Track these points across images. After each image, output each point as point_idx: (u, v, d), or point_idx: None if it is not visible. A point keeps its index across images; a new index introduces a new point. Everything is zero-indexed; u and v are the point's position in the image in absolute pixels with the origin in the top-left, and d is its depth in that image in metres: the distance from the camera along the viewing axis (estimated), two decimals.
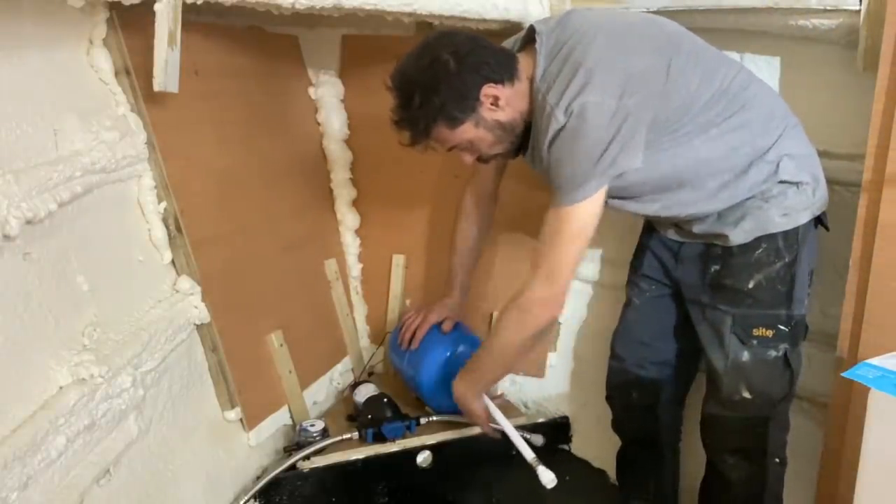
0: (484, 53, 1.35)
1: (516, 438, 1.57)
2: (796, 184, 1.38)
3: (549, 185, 1.37)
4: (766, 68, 1.61)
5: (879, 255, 1.33)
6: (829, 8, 1.45)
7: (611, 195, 1.41)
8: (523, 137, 1.42)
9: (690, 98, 1.33)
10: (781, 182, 1.37)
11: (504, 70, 1.36)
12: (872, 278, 1.34)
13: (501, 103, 1.36)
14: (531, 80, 1.37)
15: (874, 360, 1.02)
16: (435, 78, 1.32)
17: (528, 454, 1.53)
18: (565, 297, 1.42)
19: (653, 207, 1.45)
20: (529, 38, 1.40)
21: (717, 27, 1.59)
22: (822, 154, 1.46)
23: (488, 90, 1.34)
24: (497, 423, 1.62)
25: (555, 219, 1.35)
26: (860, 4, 1.40)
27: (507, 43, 1.48)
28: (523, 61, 1.39)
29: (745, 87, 1.38)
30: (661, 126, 1.33)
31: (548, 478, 1.47)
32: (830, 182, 1.46)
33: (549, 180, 1.36)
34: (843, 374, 1.02)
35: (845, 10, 1.44)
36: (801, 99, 1.53)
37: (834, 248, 1.47)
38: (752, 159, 1.37)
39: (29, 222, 1.12)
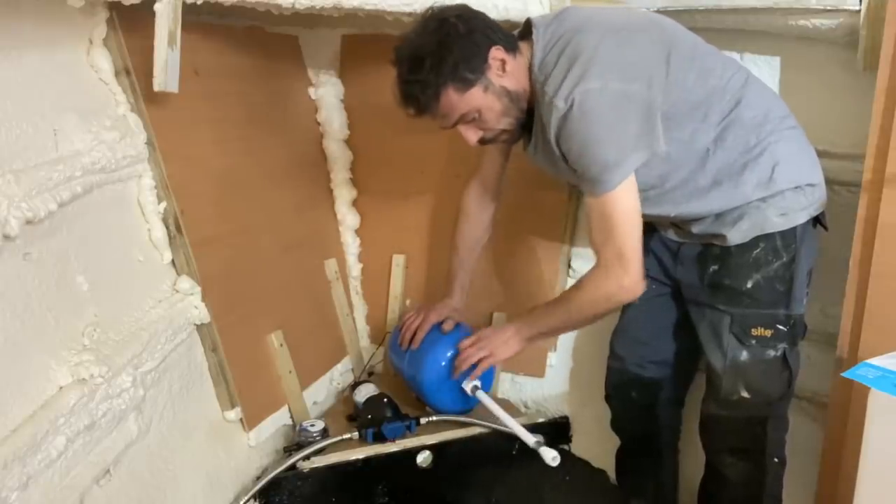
0: (488, 20, 1.38)
1: (514, 425, 1.57)
2: (793, 187, 1.38)
3: (555, 176, 1.39)
4: (766, 68, 1.62)
5: (879, 255, 1.34)
6: (829, 8, 1.45)
7: None
8: (527, 122, 1.42)
9: (686, 93, 1.34)
10: (778, 191, 1.37)
11: (508, 40, 1.37)
12: (872, 278, 1.34)
13: (508, 69, 1.36)
14: (529, 69, 1.37)
15: (874, 360, 1.02)
16: (445, 39, 1.32)
17: (529, 439, 1.53)
18: (642, 278, 1.37)
19: (643, 206, 1.45)
20: (526, 32, 1.41)
21: (717, 27, 1.59)
22: (822, 154, 1.46)
23: (496, 52, 1.35)
24: (494, 415, 1.62)
25: (599, 209, 1.34)
26: (860, 4, 1.40)
27: None
28: (523, 46, 1.40)
29: (742, 87, 1.38)
30: (661, 118, 1.32)
31: (550, 455, 1.46)
32: (830, 182, 1.46)
33: (574, 172, 1.35)
34: (843, 374, 1.02)
35: (845, 10, 1.44)
36: (801, 99, 1.53)
37: (834, 248, 1.47)
38: (746, 160, 1.37)
39: (29, 222, 1.12)
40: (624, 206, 1.32)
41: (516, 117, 1.41)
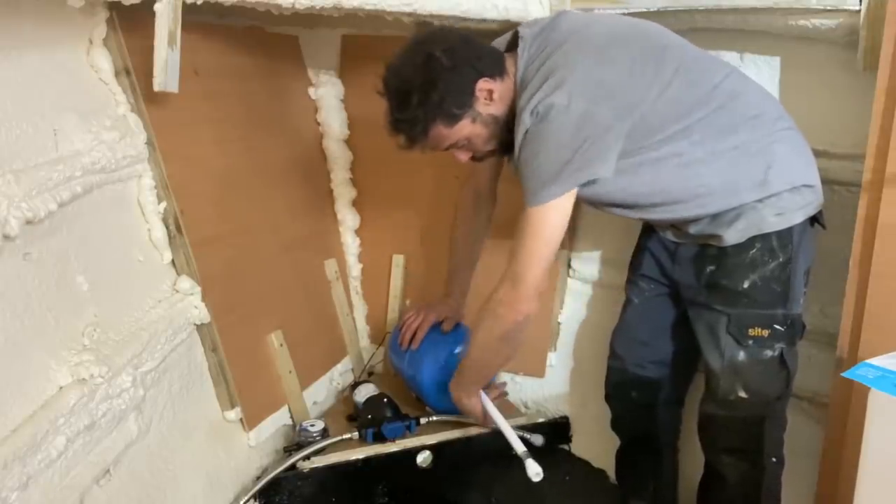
0: (475, 48, 1.38)
1: (508, 432, 1.58)
2: (790, 188, 1.37)
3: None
4: (766, 68, 1.61)
5: (879, 255, 1.33)
6: (829, 8, 1.45)
7: (602, 203, 1.45)
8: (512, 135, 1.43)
9: (674, 104, 1.34)
10: (774, 192, 1.37)
11: (495, 65, 1.38)
12: (872, 278, 1.34)
13: (495, 97, 1.38)
14: (514, 82, 1.39)
15: (874, 360, 1.02)
16: (431, 75, 1.33)
17: (519, 447, 1.53)
18: (531, 299, 1.41)
19: (641, 213, 1.46)
20: (514, 42, 1.41)
21: (717, 27, 1.59)
22: (822, 154, 1.46)
23: (483, 84, 1.36)
24: (492, 419, 1.62)
25: (522, 220, 1.37)
26: (860, 4, 1.40)
27: (496, 42, 1.49)
28: (509, 61, 1.41)
29: (735, 91, 1.38)
30: (641, 133, 1.33)
31: (533, 470, 1.48)
32: (830, 182, 1.46)
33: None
34: (843, 374, 1.02)
35: (845, 10, 1.43)
36: (801, 99, 1.53)
37: (834, 248, 1.46)
38: (739, 163, 1.36)
39: (29, 222, 1.12)
40: (544, 223, 1.35)
41: (504, 137, 1.43)
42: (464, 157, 1.46)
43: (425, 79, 1.33)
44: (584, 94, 1.28)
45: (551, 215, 1.34)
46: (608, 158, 1.32)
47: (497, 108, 1.39)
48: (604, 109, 1.29)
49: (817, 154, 1.44)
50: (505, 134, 1.42)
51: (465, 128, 1.39)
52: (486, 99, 1.38)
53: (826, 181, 1.43)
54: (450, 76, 1.33)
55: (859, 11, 1.40)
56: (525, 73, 1.36)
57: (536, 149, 1.31)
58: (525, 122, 1.32)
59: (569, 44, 1.34)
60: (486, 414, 1.64)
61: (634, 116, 1.31)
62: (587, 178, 1.32)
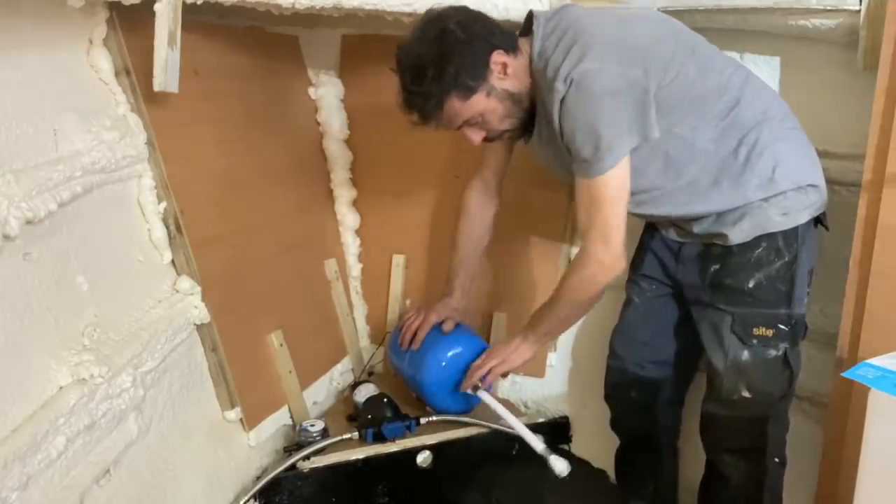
0: (488, 23, 1.38)
1: (524, 431, 1.57)
2: (795, 187, 1.37)
3: (556, 167, 1.40)
4: (766, 68, 1.62)
5: (879, 256, 1.33)
6: (829, 8, 1.45)
7: None
8: (530, 117, 1.43)
9: (688, 86, 1.34)
10: (780, 191, 1.37)
11: (508, 40, 1.38)
12: (872, 278, 1.34)
13: (510, 71, 1.37)
14: (530, 60, 1.38)
15: (874, 360, 1.02)
16: (446, 48, 1.33)
17: (538, 445, 1.53)
18: (622, 257, 1.40)
19: (645, 207, 1.46)
20: (527, 27, 1.41)
21: (717, 27, 1.59)
22: (822, 154, 1.46)
23: (497, 57, 1.36)
24: (503, 420, 1.62)
25: (588, 190, 1.35)
26: (860, 4, 1.40)
27: None
28: (522, 43, 1.40)
29: (742, 87, 1.38)
30: (660, 111, 1.33)
31: (561, 466, 1.47)
32: (830, 182, 1.46)
33: (569, 153, 1.36)
34: (843, 374, 1.02)
35: (845, 10, 1.44)
36: (801, 99, 1.53)
37: (834, 248, 1.47)
38: (746, 161, 1.37)
39: (29, 222, 1.12)
40: (613, 189, 1.34)
41: (519, 117, 1.42)
42: (477, 137, 1.44)
43: (440, 52, 1.33)
44: (613, 58, 1.28)
45: (618, 177, 1.33)
46: (652, 119, 1.32)
47: (512, 84, 1.38)
48: (636, 72, 1.29)
49: (817, 154, 1.44)
50: (521, 113, 1.41)
51: (480, 102, 1.37)
52: (500, 73, 1.37)
53: (826, 181, 1.43)
54: (464, 48, 1.33)
55: (859, 11, 1.41)
56: (543, 48, 1.35)
57: (584, 116, 1.30)
58: (559, 90, 1.30)
59: (586, 18, 1.34)
60: (495, 415, 1.63)
61: (660, 82, 1.31)
62: (639, 140, 1.32)
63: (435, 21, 1.36)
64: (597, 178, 1.33)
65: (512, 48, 1.38)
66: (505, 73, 1.37)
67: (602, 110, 1.29)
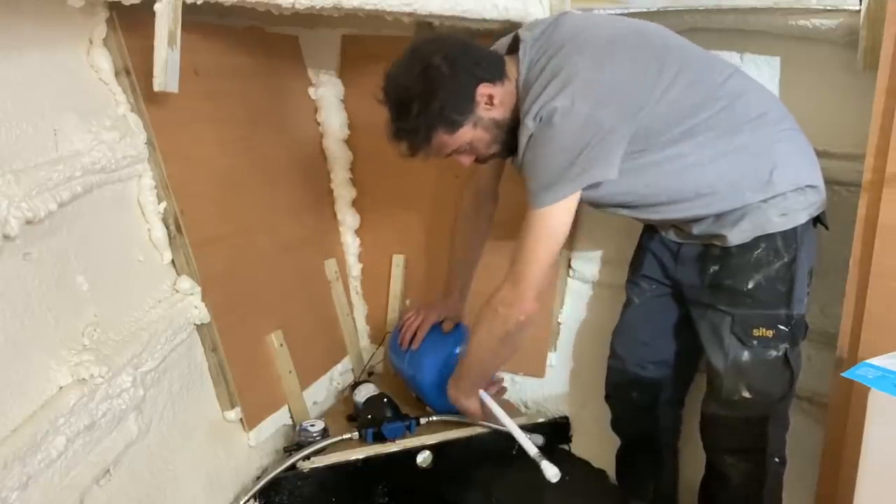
0: (474, 54, 1.38)
1: (518, 434, 1.57)
2: (794, 188, 1.37)
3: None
4: (766, 68, 1.61)
5: (879, 255, 1.33)
6: (829, 8, 1.45)
7: (605, 204, 1.45)
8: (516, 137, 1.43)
9: (677, 105, 1.34)
10: (778, 193, 1.37)
11: (494, 69, 1.38)
12: (872, 278, 1.34)
13: (496, 101, 1.38)
14: (516, 86, 1.39)
15: (874, 360, 1.02)
16: (430, 84, 1.33)
17: (531, 449, 1.53)
18: (531, 300, 1.42)
19: (644, 213, 1.46)
20: (515, 45, 1.41)
21: (717, 27, 1.59)
22: (822, 154, 1.46)
23: (483, 89, 1.36)
24: (498, 421, 1.62)
25: (526, 221, 1.38)
26: (860, 4, 1.40)
27: (498, 44, 1.49)
28: (509, 64, 1.41)
29: (738, 91, 1.38)
30: (645, 135, 1.33)
31: (552, 472, 1.47)
32: (830, 182, 1.46)
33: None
34: (843, 374, 1.02)
35: (845, 10, 1.43)
36: (801, 99, 1.53)
37: (834, 248, 1.47)
38: (743, 164, 1.36)
39: (29, 222, 1.12)
40: (547, 226, 1.36)
41: (505, 140, 1.43)
42: (467, 160, 1.46)
43: (424, 88, 1.33)
44: (587, 97, 1.28)
45: (555, 217, 1.35)
46: (612, 161, 1.32)
47: (498, 112, 1.39)
48: (607, 112, 1.29)
49: (817, 154, 1.44)
50: (507, 136, 1.42)
51: (467, 133, 1.39)
52: (486, 104, 1.37)
53: (826, 181, 1.43)
54: (449, 84, 1.33)
55: (859, 11, 1.40)
56: (527, 76, 1.36)
57: (540, 152, 1.32)
58: (529, 126, 1.32)
59: (570, 46, 1.34)
60: (492, 416, 1.64)
61: (638, 118, 1.32)
62: (591, 181, 1.33)
63: (420, 54, 1.36)
64: (535, 211, 1.35)
65: (499, 76, 1.38)
66: (491, 104, 1.38)
67: (557, 150, 1.30)
